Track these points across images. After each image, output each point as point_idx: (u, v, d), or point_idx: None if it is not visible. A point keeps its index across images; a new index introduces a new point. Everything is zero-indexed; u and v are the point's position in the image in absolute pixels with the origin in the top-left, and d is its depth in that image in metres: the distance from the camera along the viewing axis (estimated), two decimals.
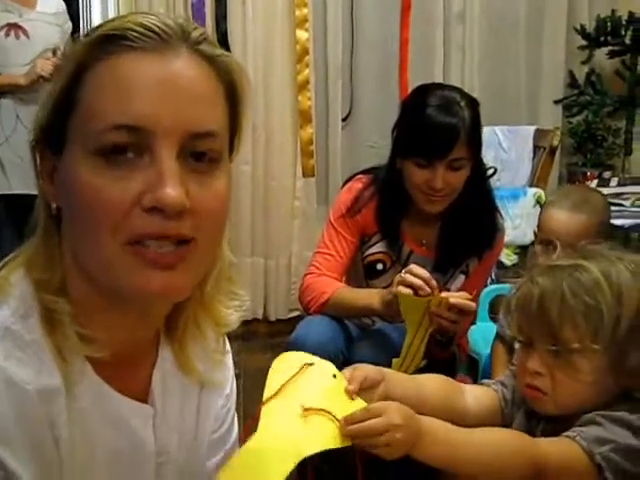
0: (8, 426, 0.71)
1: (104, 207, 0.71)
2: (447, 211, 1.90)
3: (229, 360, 1.02)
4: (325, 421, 0.91)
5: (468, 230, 1.94)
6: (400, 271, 1.95)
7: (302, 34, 3.45)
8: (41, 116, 0.78)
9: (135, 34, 0.73)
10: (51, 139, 0.77)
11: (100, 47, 0.73)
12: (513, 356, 1.85)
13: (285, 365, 0.95)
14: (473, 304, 1.69)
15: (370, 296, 1.84)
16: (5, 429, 0.71)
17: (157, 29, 0.74)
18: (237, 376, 1.06)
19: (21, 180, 2.92)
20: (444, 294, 1.67)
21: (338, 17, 3.55)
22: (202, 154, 0.75)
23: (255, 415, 0.87)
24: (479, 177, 1.91)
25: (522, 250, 3.08)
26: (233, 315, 0.94)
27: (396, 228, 1.97)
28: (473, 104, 1.85)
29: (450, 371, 1.96)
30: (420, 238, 2.00)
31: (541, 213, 1.91)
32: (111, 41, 0.73)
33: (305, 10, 3.45)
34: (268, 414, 0.88)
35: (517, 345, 1.23)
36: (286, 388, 0.91)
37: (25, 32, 2.94)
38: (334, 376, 0.95)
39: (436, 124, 1.78)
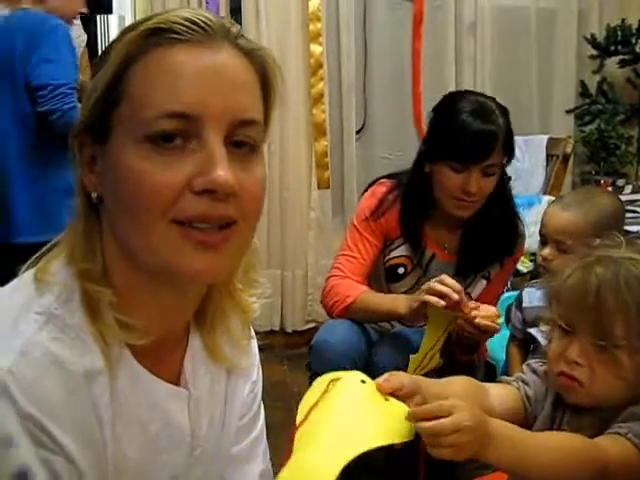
0: (59, 404, 0.74)
1: (154, 191, 0.74)
2: (470, 216, 1.92)
3: (254, 346, 1.05)
4: (370, 421, 0.88)
5: (491, 236, 1.96)
6: (421, 275, 1.98)
7: (316, 48, 3.49)
8: (85, 109, 0.81)
9: (182, 27, 0.76)
10: (95, 129, 0.80)
11: (147, 40, 0.77)
12: (528, 356, 1.88)
13: (315, 388, 0.92)
14: (497, 326, 1.70)
15: (395, 301, 1.85)
16: (55, 407, 0.73)
17: (202, 23, 0.77)
18: None
19: None
20: (473, 313, 1.67)
21: (351, 31, 3.58)
22: (242, 142, 0.79)
23: (290, 438, 0.86)
24: (503, 183, 1.94)
25: (537, 257, 3.09)
26: (256, 302, 0.98)
27: (419, 232, 1.99)
28: (505, 112, 1.88)
29: (469, 376, 1.98)
30: (442, 242, 2.02)
31: None
32: (158, 34, 0.77)
33: (319, 24, 3.48)
34: (301, 438, 0.86)
35: (554, 331, 1.21)
36: (317, 407, 0.89)
37: None
38: (363, 382, 0.93)
39: (476, 130, 1.80)
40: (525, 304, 1.92)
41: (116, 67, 0.77)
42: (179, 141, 0.75)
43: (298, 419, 0.88)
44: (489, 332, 1.70)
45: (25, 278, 0.82)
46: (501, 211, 1.97)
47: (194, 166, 0.75)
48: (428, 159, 1.91)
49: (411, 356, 1.71)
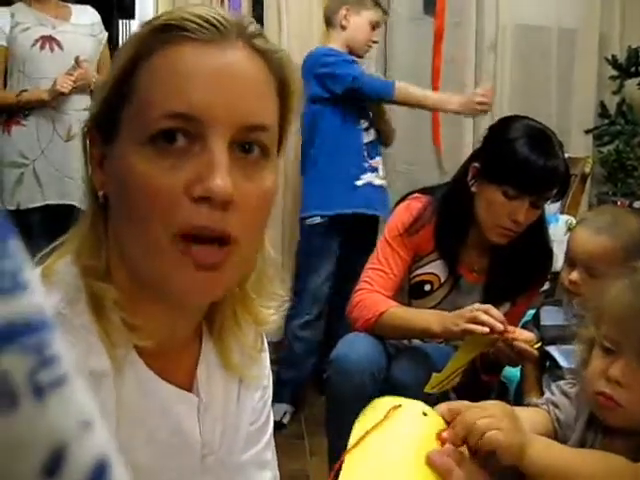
0: None
1: (155, 195, 0.72)
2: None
3: (266, 358, 1.03)
4: (419, 466, 0.84)
5: (523, 264, 1.95)
6: (447, 294, 1.96)
7: None
8: (95, 103, 0.80)
9: (193, 25, 0.74)
10: (103, 127, 0.78)
11: (157, 37, 0.75)
12: (544, 375, 1.87)
13: (374, 411, 0.90)
14: (535, 352, 1.68)
15: (428, 318, 1.82)
16: None
17: (215, 21, 0.75)
18: None
19: (55, 190, 2.98)
20: (512, 336, 1.65)
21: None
22: (251, 146, 0.76)
23: (339, 462, 0.84)
24: (541, 213, 1.92)
25: (554, 276, 3.07)
26: (274, 315, 0.95)
27: (455, 251, 1.96)
28: (562, 145, 1.85)
29: (484, 395, 1.96)
30: (472, 264, 2.00)
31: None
32: (168, 31, 0.75)
33: None
34: (350, 464, 0.84)
35: (594, 350, 1.20)
36: (371, 435, 0.86)
37: (59, 44, 3.00)
38: (424, 414, 0.89)
39: (543, 165, 1.75)
40: (543, 322, 1.91)
41: (125, 64, 0.76)
42: (182, 142, 0.73)
43: (351, 441, 0.85)
44: (527, 357, 1.68)
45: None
46: (536, 241, 1.96)
47: (194, 171, 0.73)
48: (480, 179, 1.87)
49: (434, 374, 1.69)
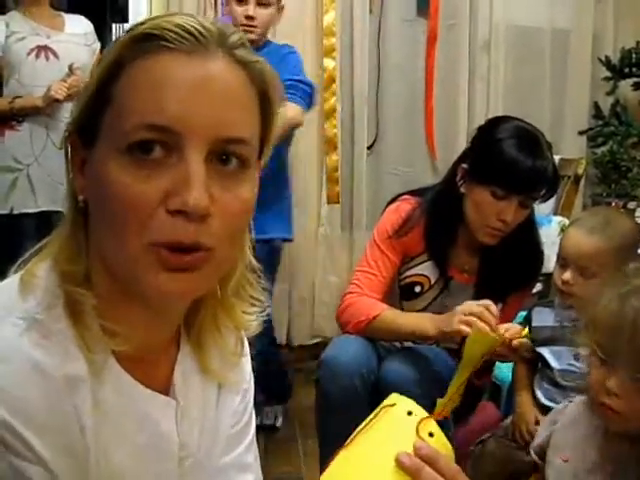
0: (37, 412, 0.71)
1: (130, 205, 0.72)
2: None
3: (247, 364, 1.03)
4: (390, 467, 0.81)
5: (513, 264, 1.95)
6: (437, 295, 1.96)
7: (330, 63, 3.50)
8: (77, 108, 0.79)
9: (172, 35, 0.73)
10: (84, 132, 0.78)
11: (137, 45, 0.74)
12: (535, 375, 1.87)
13: (375, 411, 0.88)
14: (528, 342, 1.71)
15: (421, 321, 1.83)
16: (34, 415, 0.71)
17: (194, 31, 0.74)
18: None
19: (49, 197, 2.98)
20: (506, 334, 1.67)
21: (365, 47, 3.60)
22: (229, 158, 0.76)
23: (333, 455, 0.84)
24: (530, 214, 1.93)
25: (546, 278, 3.07)
26: (254, 321, 0.95)
27: (445, 252, 1.96)
28: (550, 146, 1.86)
29: (476, 397, 1.96)
30: (462, 264, 2.00)
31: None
32: (149, 40, 0.74)
33: (333, 39, 3.49)
34: (335, 463, 0.83)
35: (592, 358, 1.22)
36: (362, 432, 0.85)
37: (54, 53, 3.01)
38: (409, 413, 0.86)
39: (530, 165, 1.76)
40: (534, 323, 1.91)
41: (106, 70, 0.75)
42: (158, 153, 0.72)
43: (348, 439, 0.85)
44: (520, 350, 1.69)
45: (11, 280, 0.80)
46: (525, 241, 1.96)
47: (170, 182, 0.72)
48: (468, 179, 1.88)
49: (438, 400, 1.69)
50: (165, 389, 0.89)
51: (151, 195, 0.72)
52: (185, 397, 0.91)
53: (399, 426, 0.85)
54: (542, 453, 1.35)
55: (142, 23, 0.76)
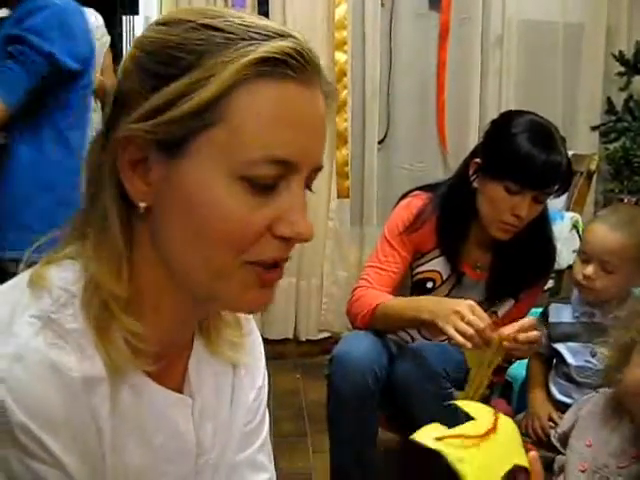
0: (54, 413, 0.70)
1: (239, 231, 0.73)
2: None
3: (254, 340, 1.02)
4: None
5: (526, 261, 1.94)
6: (449, 291, 1.94)
7: (341, 56, 3.48)
8: (160, 121, 0.73)
9: (296, 64, 0.73)
10: (166, 142, 0.74)
11: (259, 66, 0.71)
12: (551, 372, 1.87)
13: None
14: (540, 332, 1.68)
15: (419, 307, 1.79)
16: (50, 416, 0.70)
17: (312, 59, 0.75)
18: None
19: None
20: (514, 335, 1.62)
21: (377, 40, 3.58)
22: (309, 185, 0.79)
23: None
24: (544, 210, 1.91)
25: (558, 274, 3.06)
26: None
27: (457, 247, 1.95)
28: (564, 140, 1.83)
29: (488, 394, 1.95)
30: (474, 261, 1.99)
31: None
32: (272, 64, 0.72)
33: (344, 33, 3.47)
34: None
35: (637, 354, 1.22)
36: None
37: None
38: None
39: (545, 160, 1.74)
40: (551, 319, 1.91)
41: (221, 88, 0.71)
42: (271, 182, 0.74)
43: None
44: (535, 343, 1.67)
45: (22, 277, 0.78)
46: (538, 236, 1.94)
47: (278, 209, 0.75)
48: (482, 174, 1.86)
49: (459, 393, 1.68)
50: (179, 386, 0.89)
51: (261, 222, 0.74)
52: (200, 394, 0.90)
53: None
54: (565, 440, 1.34)
55: (254, 41, 0.72)
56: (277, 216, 0.74)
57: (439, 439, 0.79)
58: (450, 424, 0.83)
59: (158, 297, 0.80)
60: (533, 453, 0.83)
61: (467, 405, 0.86)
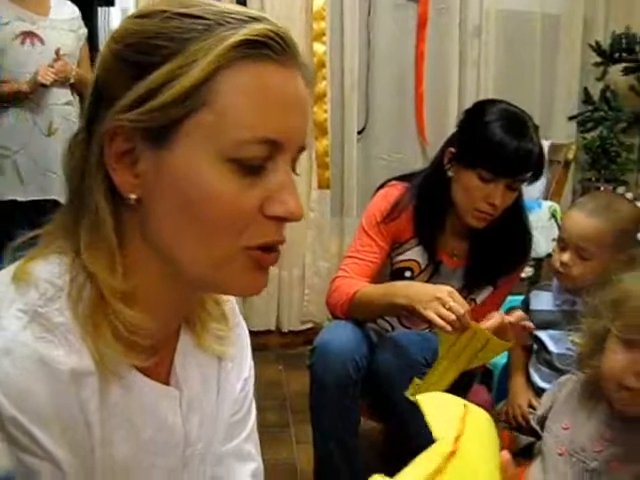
0: (43, 406, 0.70)
1: (233, 213, 0.74)
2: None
3: (241, 332, 1.02)
4: None
5: (502, 248, 1.95)
6: (428, 280, 1.96)
7: (319, 47, 3.48)
8: (144, 109, 0.72)
9: (276, 45, 0.74)
10: (151, 131, 0.73)
11: (241, 49, 0.72)
12: (531, 358, 1.89)
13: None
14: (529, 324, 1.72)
15: (395, 291, 1.80)
16: (40, 409, 0.70)
17: (290, 42, 0.76)
18: None
19: (37, 186, 2.95)
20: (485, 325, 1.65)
21: (355, 31, 3.58)
22: (294, 164, 0.80)
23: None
24: (518, 197, 1.92)
25: (536, 263, 3.09)
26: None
27: (434, 236, 1.96)
28: (537, 128, 1.85)
29: (469, 381, 1.97)
30: (451, 249, 2.00)
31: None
32: (253, 46, 0.73)
33: (323, 24, 3.47)
34: None
35: (612, 341, 1.22)
36: None
37: (40, 39, 2.98)
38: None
39: (516, 147, 1.75)
40: (532, 307, 1.93)
41: (203, 73, 0.72)
42: (259, 163, 0.75)
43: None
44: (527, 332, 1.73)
45: (8, 270, 0.77)
46: (514, 224, 1.96)
47: (268, 190, 0.75)
48: (456, 162, 1.87)
49: (416, 379, 1.69)
50: (166, 378, 0.89)
51: (252, 203, 0.75)
52: (186, 385, 0.90)
53: None
54: (543, 423, 1.35)
55: (232, 26, 0.73)
56: (268, 196, 0.75)
57: None
58: None
59: (152, 288, 0.80)
60: (506, 456, 0.78)
61: (431, 405, 0.75)
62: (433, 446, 0.69)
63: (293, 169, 0.79)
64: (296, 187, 0.77)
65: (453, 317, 1.61)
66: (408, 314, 1.78)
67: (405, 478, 0.65)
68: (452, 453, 0.68)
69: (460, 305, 1.64)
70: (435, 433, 0.70)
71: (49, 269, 0.77)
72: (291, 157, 0.77)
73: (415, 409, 0.79)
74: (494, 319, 1.67)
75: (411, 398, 1.34)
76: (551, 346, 1.84)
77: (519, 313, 1.75)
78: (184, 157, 0.73)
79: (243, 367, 1.02)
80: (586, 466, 1.21)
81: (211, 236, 0.75)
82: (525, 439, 1.54)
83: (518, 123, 1.80)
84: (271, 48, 0.73)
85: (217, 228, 0.74)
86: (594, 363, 1.24)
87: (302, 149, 0.79)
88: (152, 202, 0.76)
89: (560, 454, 1.25)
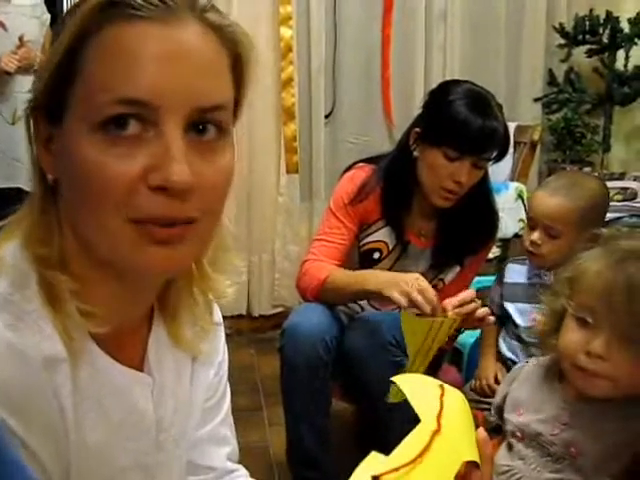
0: (15, 394, 0.69)
1: (108, 185, 0.69)
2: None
3: (220, 331, 1.02)
4: None
5: (468, 227, 1.98)
6: (396, 260, 1.98)
7: (286, 31, 3.46)
8: (40, 82, 0.74)
9: (140, 1, 0.70)
10: (49, 106, 0.74)
11: (104, 13, 0.70)
12: (501, 331, 1.91)
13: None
14: (478, 306, 1.71)
15: (365, 278, 1.83)
16: (12, 397, 0.69)
17: None
18: None
19: (2, 174, 2.93)
20: (454, 311, 1.65)
21: (322, 15, 3.56)
22: (206, 127, 0.74)
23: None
24: (484, 176, 1.94)
25: (504, 243, 3.13)
26: (229, 286, 0.95)
27: (401, 217, 1.98)
28: (501, 107, 1.87)
29: (438, 361, 2.00)
30: (419, 229, 2.02)
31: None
32: (115, 7, 0.70)
33: (289, 8, 3.45)
34: None
35: (568, 319, 1.22)
36: None
37: (2, 25, 2.95)
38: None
39: (481, 124, 1.78)
40: (506, 279, 1.95)
41: (70, 41, 0.71)
42: (135, 128, 0.70)
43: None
44: (485, 320, 1.73)
45: None
46: (480, 203, 1.98)
47: (150, 158, 0.70)
48: (421, 142, 1.89)
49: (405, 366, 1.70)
50: (139, 366, 0.89)
51: (130, 172, 0.70)
52: (159, 372, 0.90)
53: None
54: (501, 412, 1.38)
55: None
56: (150, 165, 0.70)
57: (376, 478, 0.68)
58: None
59: (91, 274, 0.79)
60: (482, 434, 0.78)
61: (410, 386, 0.77)
62: (419, 425, 0.72)
63: (203, 131, 0.73)
64: (183, 153, 0.70)
65: (415, 294, 1.63)
66: (379, 299, 1.80)
67: (398, 455, 0.69)
68: (436, 431, 0.71)
69: (427, 289, 1.66)
70: (418, 412, 0.73)
71: (18, 255, 0.77)
72: (183, 120, 0.71)
73: (385, 390, 0.81)
74: (465, 293, 1.70)
75: (394, 400, 1.33)
76: (517, 319, 1.88)
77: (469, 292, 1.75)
78: (70, 132, 0.72)
79: (214, 354, 1.01)
80: (547, 450, 1.22)
81: (95, 211, 0.72)
82: (495, 419, 1.56)
83: (482, 102, 1.83)
84: (135, 7, 0.70)
85: (100, 201, 0.70)
86: (553, 342, 1.25)
87: (205, 109, 0.72)
88: (62, 182, 0.76)
89: (520, 439, 1.27)
